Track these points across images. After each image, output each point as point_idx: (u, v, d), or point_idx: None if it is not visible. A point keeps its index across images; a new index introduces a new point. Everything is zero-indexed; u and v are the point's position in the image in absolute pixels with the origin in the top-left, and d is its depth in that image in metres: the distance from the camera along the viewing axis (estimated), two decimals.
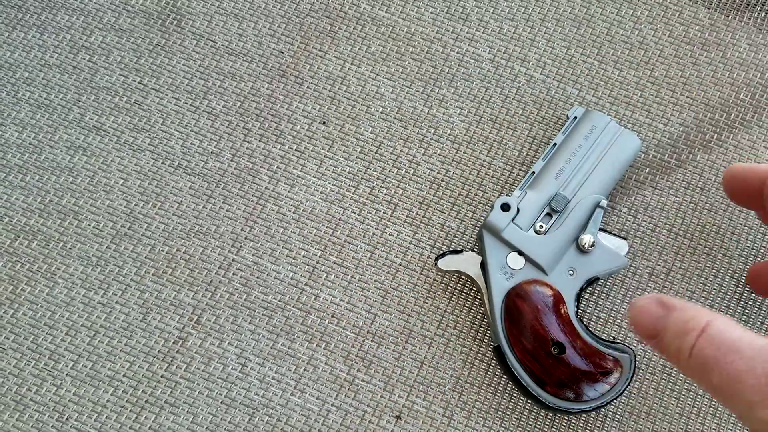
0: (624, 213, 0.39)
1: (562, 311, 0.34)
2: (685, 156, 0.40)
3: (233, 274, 0.38)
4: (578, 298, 0.35)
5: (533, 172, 0.37)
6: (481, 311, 0.38)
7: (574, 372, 0.33)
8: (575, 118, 0.38)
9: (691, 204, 0.39)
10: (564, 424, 0.36)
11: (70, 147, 0.40)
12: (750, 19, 0.42)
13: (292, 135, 0.41)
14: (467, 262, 0.36)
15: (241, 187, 0.40)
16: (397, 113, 0.41)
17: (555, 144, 0.37)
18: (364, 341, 0.37)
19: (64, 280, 0.38)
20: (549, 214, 0.36)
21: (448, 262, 0.37)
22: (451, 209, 0.39)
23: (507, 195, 0.38)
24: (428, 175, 0.40)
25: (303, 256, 0.39)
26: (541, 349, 0.34)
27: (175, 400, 0.37)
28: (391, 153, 0.40)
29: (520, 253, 0.35)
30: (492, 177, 0.40)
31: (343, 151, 0.40)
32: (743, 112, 0.41)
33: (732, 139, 0.40)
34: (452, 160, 0.40)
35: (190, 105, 0.41)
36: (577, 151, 0.37)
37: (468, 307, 0.38)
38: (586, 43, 0.42)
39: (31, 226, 0.39)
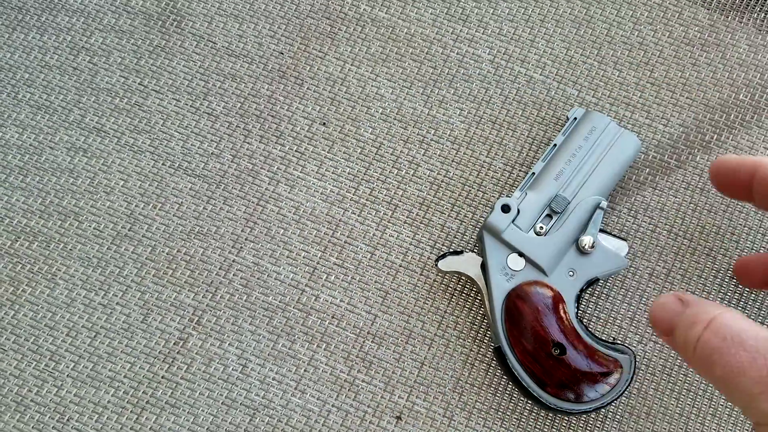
0: (624, 214, 0.39)
1: (563, 312, 0.34)
2: (684, 157, 0.40)
3: (234, 275, 0.38)
4: (578, 299, 0.35)
5: (533, 173, 0.37)
6: (481, 312, 0.38)
7: (575, 373, 0.33)
8: (575, 119, 0.38)
9: (691, 204, 0.39)
10: (564, 424, 0.36)
11: (71, 148, 0.40)
12: (749, 20, 0.42)
13: (292, 136, 0.41)
14: (467, 263, 0.36)
15: (242, 188, 0.40)
16: (397, 114, 0.41)
17: (555, 145, 0.37)
18: (364, 342, 0.37)
19: (65, 281, 0.38)
20: (549, 215, 0.36)
21: (448, 263, 0.37)
22: (452, 210, 0.39)
23: (507, 196, 0.38)
24: (428, 176, 0.40)
25: (303, 257, 0.39)
26: (541, 350, 0.34)
27: (176, 401, 0.37)
28: (391, 154, 0.40)
29: (521, 254, 0.35)
30: (492, 178, 0.40)
31: (344, 152, 0.40)
32: (743, 112, 0.41)
33: (731, 140, 0.40)
34: (452, 161, 0.40)
35: (191, 106, 0.41)
36: (577, 152, 0.37)
37: (468, 308, 0.38)
38: (586, 44, 0.42)
39: (32, 227, 0.39)
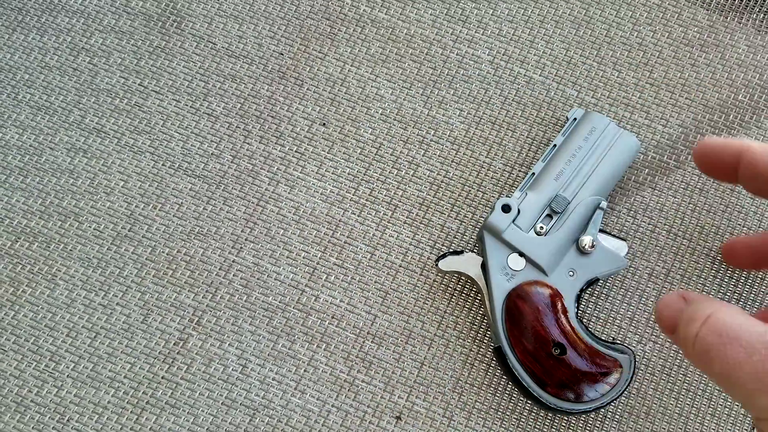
0: (623, 214, 0.39)
1: (563, 312, 0.34)
2: (684, 157, 0.40)
3: (234, 275, 0.38)
4: (578, 298, 0.35)
5: (533, 174, 0.37)
6: (481, 312, 0.38)
7: (575, 373, 0.33)
8: (575, 119, 0.38)
9: (690, 205, 0.39)
10: (564, 424, 0.36)
11: (71, 149, 0.40)
12: (749, 20, 0.42)
13: (292, 136, 0.41)
14: (468, 263, 0.36)
15: (242, 188, 0.40)
16: (396, 115, 0.41)
17: (555, 145, 0.37)
18: (364, 342, 0.37)
19: (65, 281, 0.38)
20: (549, 216, 0.36)
21: (448, 263, 0.37)
22: (451, 210, 0.39)
23: (507, 196, 0.39)
24: (428, 176, 0.40)
25: (303, 258, 0.39)
26: (541, 350, 0.34)
27: (176, 402, 0.37)
28: (391, 154, 0.40)
29: (521, 254, 0.35)
30: (492, 178, 0.40)
31: (343, 153, 0.40)
32: (742, 113, 0.41)
33: None
34: (452, 162, 0.40)
35: (191, 107, 0.41)
36: (577, 153, 0.37)
37: (468, 308, 0.38)
38: (585, 45, 0.42)
39: (32, 227, 0.39)
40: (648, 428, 0.36)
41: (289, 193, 0.40)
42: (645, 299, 0.38)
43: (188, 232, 0.39)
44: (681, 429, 0.36)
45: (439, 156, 0.40)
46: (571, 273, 0.35)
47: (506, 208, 0.36)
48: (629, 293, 0.38)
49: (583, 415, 0.36)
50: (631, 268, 0.38)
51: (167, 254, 0.39)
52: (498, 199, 0.39)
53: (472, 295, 0.38)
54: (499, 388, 0.37)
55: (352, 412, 0.37)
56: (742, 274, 0.38)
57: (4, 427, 0.36)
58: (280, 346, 0.37)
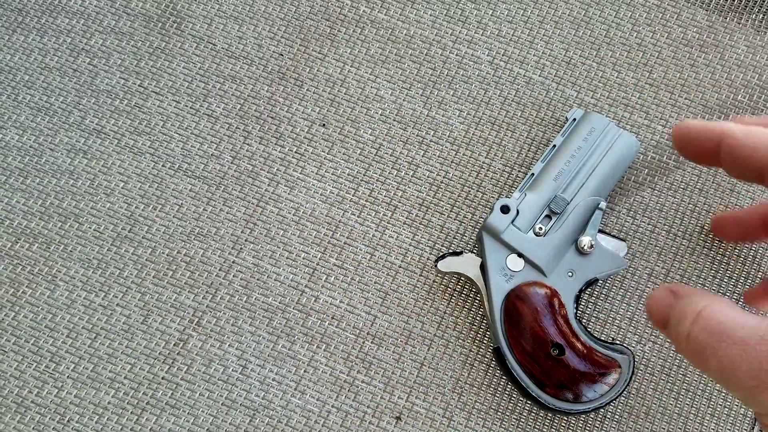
0: (623, 214, 0.39)
1: (562, 313, 0.34)
2: (683, 158, 0.40)
3: (234, 276, 0.38)
4: (577, 299, 0.35)
5: (532, 174, 0.37)
6: (480, 313, 0.38)
7: (574, 373, 0.33)
8: (574, 120, 0.38)
9: (690, 205, 0.39)
10: (563, 424, 0.36)
11: (71, 150, 0.40)
12: (748, 21, 0.42)
13: (291, 137, 0.41)
14: (467, 264, 0.36)
15: (242, 189, 0.40)
16: (396, 115, 0.41)
17: (554, 146, 0.37)
18: (364, 343, 0.38)
19: (65, 282, 0.38)
20: (548, 216, 0.36)
21: (447, 264, 0.37)
22: (451, 211, 0.39)
23: (506, 197, 0.39)
24: (428, 176, 0.40)
25: (303, 258, 0.39)
26: (540, 350, 0.34)
27: (176, 402, 0.37)
28: (391, 155, 0.40)
29: (520, 255, 0.35)
30: (491, 179, 0.40)
31: (343, 153, 0.40)
32: (741, 113, 0.41)
33: None
34: (451, 162, 0.40)
35: (191, 108, 0.41)
36: (576, 153, 0.37)
37: (467, 308, 0.38)
38: (585, 45, 0.42)
39: (32, 228, 0.39)
40: (647, 428, 0.36)
41: (288, 193, 0.40)
42: (644, 300, 0.38)
43: (188, 233, 0.39)
44: (681, 429, 0.36)
45: (438, 157, 0.40)
46: (570, 273, 0.35)
47: (505, 209, 0.36)
48: (629, 294, 0.38)
49: (583, 416, 0.36)
50: (631, 269, 0.39)
51: (167, 255, 0.39)
52: (497, 199, 0.39)
53: (471, 295, 0.38)
54: (499, 389, 0.37)
55: (352, 412, 0.37)
56: (742, 274, 0.38)
57: (4, 428, 0.36)
58: (280, 346, 0.38)
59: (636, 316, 0.38)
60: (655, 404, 0.37)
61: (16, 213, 0.39)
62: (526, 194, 0.36)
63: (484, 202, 0.40)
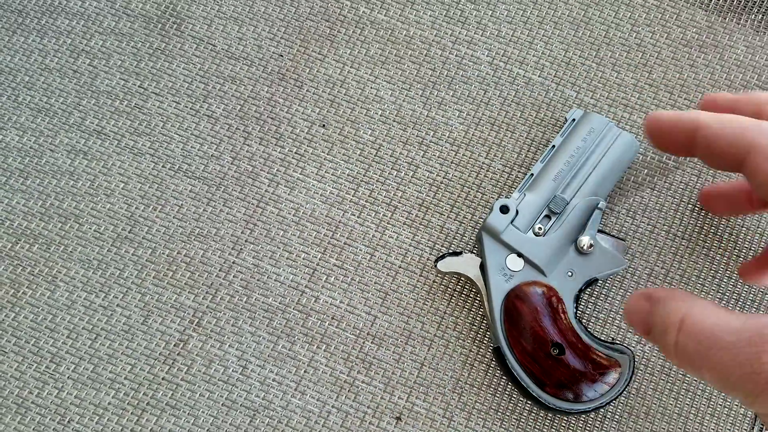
0: (623, 214, 0.39)
1: (562, 312, 0.35)
2: (682, 158, 0.40)
3: (234, 276, 0.38)
4: (577, 299, 0.35)
5: (532, 174, 0.37)
6: (480, 313, 0.38)
7: (574, 373, 0.33)
8: (573, 120, 0.38)
9: (689, 205, 0.40)
10: (563, 424, 0.36)
11: (71, 151, 0.41)
12: (747, 21, 0.42)
13: (291, 138, 0.41)
14: (467, 264, 0.37)
15: (242, 190, 0.40)
16: (396, 116, 0.41)
17: (553, 146, 0.37)
18: (364, 343, 0.38)
19: (65, 283, 0.38)
20: (548, 216, 0.36)
21: (447, 264, 0.37)
22: (450, 211, 0.40)
23: (506, 197, 0.39)
24: (427, 177, 0.40)
25: (303, 259, 0.39)
26: (540, 350, 0.34)
27: (176, 403, 0.37)
28: (391, 155, 0.40)
29: (520, 255, 0.35)
30: (491, 179, 0.40)
31: (343, 154, 0.41)
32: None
33: None
34: (451, 163, 0.40)
35: (190, 108, 0.41)
36: (576, 153, 0.37)
37: (467, 308, 0.38)
38: (584, 46, 0.42)
39: (32, 229, 0.39)
40: (647, 428, 0.36)
41: (288, 194, 0.40)
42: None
43: (188, 233, 0.39)
44: (680, 429, 0.36)
45: (438, 157, 0.40)
46: (569, 273, 0.35)
47: (505, 209, 0.36)
48: (628, 293, 0.38)
49: (583, 415, 0.36)
50: (631, 269, 0.39)
51: (167, 256, 0.39)
52: (497, 200, 0.39)
53: (471, 295, 0.38)
54: (499, 389, 0.37)
55: (352, 413, 0.37)
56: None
57: (5, 428, 0.36)
58: (280, 347, 0.38)
59: None
60: (655, 404, 0.37)
61: (16, 214, 0.39)
62: (525, 194, 0.36)
63: (484, 203, 0.40)
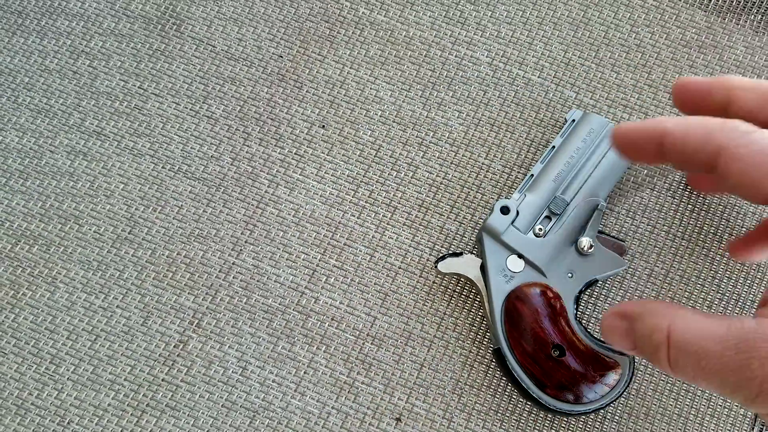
0: (622, 215, 0.39)
1: (562, 313, 0.34)
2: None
3: (233, 277, 0.38)
4: (577, 300, 0.35)
5: (532, 175, 0.37)
6: (480, 314, 0.38)
7: (574, 374, 0.33)
8: (573, 121, 0.38)
9: (689, 206, 0.40)
10: (563, 426, 0.36)
11: (71, 152, 0.41)
12: (746, 21, 0.42)
13: (291, 139, 0.41)
14: (467, 265, 0.37)
15: (241, 191, 0.40)
16: (395, 117, 0.41)
17: (553, 147, 0.37)
18: (364, 344, 0.38)
19: (65, 284, 0.38)
20: (548, 217, 0.36)
21: (447, 265, 0.37)
22: (450, 212, 0.40)
23: (506, 198, 0.39)
24: (427, 178, 0.40)
25: (303, 260, 0.39)
26: (540, 351, 0.34)
27: (176, 404, 0.37)
28: (390, 156, 0.40)
29: (520, 256, 0.35)
30: (491, 180, 0.40)
31: (342, 155, 0.41)
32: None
33: None
34: (451, 163, 0.40)
35: (190, 109, 0.41)
36: (576, 154, 0.37)
37: (467, 309, 0.38)
38: (584, 46, 0.42)
39: (32, 230, 0.39)
40: (647, 429, 0.36)
41: (288, 195, 0.40)
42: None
43: (188, 234, 0.39)
44: (680, 429, 0.36)
45: (438, 158, 0.40)
46: (570, 274, 0.35)
47: (505, 210, 0.36)
48: (628, 294, 0.38)
49: (583, 417, 0.36)
50: (631, 269, 0.39)
51: (167, 257, 0.39)
52: (497, 200, 0.39)
53: (471, 296, 0.38)
54: (499, 390, 0.37)
55: (352, 414, 0.37)
56: (741, 274, 0.38)
57: (4, 430, 0.36)
58: (280, 348, 0.38)
59: None
60: (655, 405, 0.37)
61: (16, 215, 0.39)
62: (525, 195, 0.36)
63: (484, 203, 0.40)
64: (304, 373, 0.37)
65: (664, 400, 0.37)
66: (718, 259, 0.39)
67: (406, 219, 0.39)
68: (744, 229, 0.39)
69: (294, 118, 0.41)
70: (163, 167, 0.40)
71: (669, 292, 0.38)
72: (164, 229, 0.39)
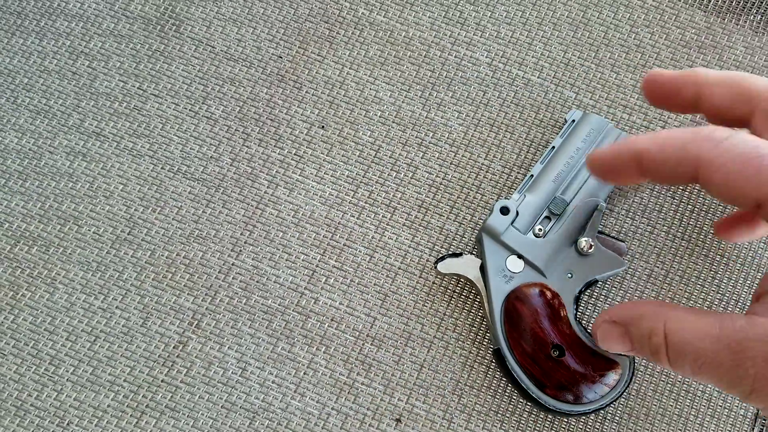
0: (622, 215, 0.39)
1: (562, 314, 0.34)
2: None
3: (233, 278, 0.38)
4: (577, 300, 0.35)
5: (532, 176, 0.37)
6: (480, 314, 0.38)
7: (574, 374, 0.33)
8: (573, 121, 0.38)
9: (689, 206, 0.40)
10: (563, 426, 0.36)
11: (70, 153, 0.40)
12: (746, 22, 0.42)
13: (290, 139, 0.41)
14: (466, 265, 0.36)
15: (241, 191, 0.40)
16: (395, 117, 0.41)
17: (553, 147, 0.37)
18: (363, 345, 0.38)
19: (64, 285, 0.38)
20: (548, 217, 0.36)
21: (447, 266, 0.37)
22: (450, 212, 0.39)
23: (506, 198, 0.39)
24: (427, 178, 0.40)
25: (302, 260, 0.39)
26: (540, 351, 0.34)
27: (175, 405, 0.37)
28: (390, 157, 0.40)
29: (520, 256, 0.35)
30: (490, 180, 0.40)
31: (342, 155, 0.40)
32: None
33: None
34: (450, 164, 0.40)
35: (189, 110, 0.41)
36: (575, 154, 0.37)
37: (467, 310, 0.38)
38: (584, 47, 0.42)
39: (31, 231, 0.39)
40: (647, 429, 0.36)
41: (288, 195, 0.40)
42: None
43: (187, 235, 0.39)
44: (681, 430, 0.36)
45: (437, 158, 0.40)
46: (569, 275, 0.35)
47: (505, 210, 0.36)
48: (628, 295, 0.38)
49: (583, 417, 0.36)
50: (630, 270, 0.39)
51: (166, 257, 0.39)
52: (496, 201, 0.39)
53: (471, 297, 0.38)
54: (499, 390, 0.37)
55: (351, 414, 0.37)
56: (741, 275, 0.38)
57: (4, 431, 0.36)
58: (279, 348, 0.37)
59: None
60: (655, 405, 0.37)
61: (15, 216, 0.39)
62: (525, 195, 0.36)
63: (484, 204, 0.40)
64: (304, 374, 0.37)
65: (664, 400, 0.37)
66: (718, 259, 0.39)
67: (405, 219, 0.39)
68: None
69: (293, 118, 0.41)
70: (162, 168, 0.40)
71: (669, 292, 0.38)
72: (163, 230, 0.39)
